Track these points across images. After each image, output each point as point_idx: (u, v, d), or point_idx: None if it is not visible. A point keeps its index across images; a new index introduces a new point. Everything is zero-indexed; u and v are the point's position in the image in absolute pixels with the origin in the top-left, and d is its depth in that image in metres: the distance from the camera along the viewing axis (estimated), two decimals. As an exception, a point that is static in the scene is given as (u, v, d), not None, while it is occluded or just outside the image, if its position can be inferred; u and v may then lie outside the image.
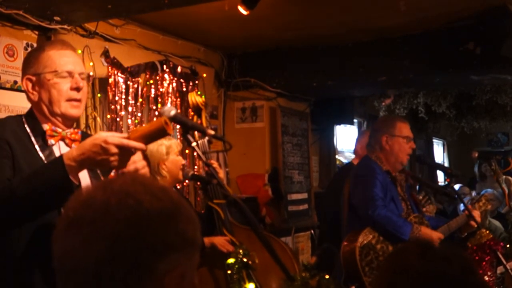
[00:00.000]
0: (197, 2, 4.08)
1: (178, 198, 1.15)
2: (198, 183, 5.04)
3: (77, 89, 2.23)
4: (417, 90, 7.89)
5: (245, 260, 3.49)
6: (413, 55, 5.53)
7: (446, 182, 4.44)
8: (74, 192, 1.17)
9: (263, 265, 3.51)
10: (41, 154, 2.14)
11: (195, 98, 3.96)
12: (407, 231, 3.72)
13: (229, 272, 3.50)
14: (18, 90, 4.28)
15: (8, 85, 4.23)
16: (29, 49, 4.34)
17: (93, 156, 1.92)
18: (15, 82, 4.27)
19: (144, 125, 4.97)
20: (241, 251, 3.51)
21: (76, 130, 2.28)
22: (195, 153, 5.55)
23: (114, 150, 1.91)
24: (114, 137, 1.93)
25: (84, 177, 2.18)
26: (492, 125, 10.61)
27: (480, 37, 5.05)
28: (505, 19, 4.65)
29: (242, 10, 4.20)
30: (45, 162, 2.12)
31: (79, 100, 2.26)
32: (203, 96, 5.11)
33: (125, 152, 1.95)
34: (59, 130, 2.23)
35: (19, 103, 4.27)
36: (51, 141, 2.19)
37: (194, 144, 2.31)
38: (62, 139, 2.23)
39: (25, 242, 2.06)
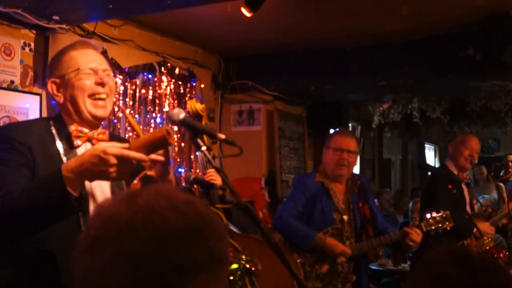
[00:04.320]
0: (200, 3, 4.04)
1: (206, 212, 1.09)
2: (195, 186, 4.98)
3: (102, 84, 2.16)
4: (416, 95, 7.88)
5: (248, 266, 3.43)
6: (413, 60, 5.51)
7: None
8: (96, 207, 1.10)
9: (263, 272, 3.46)
10: (64, 159, 2.06)
11: (195, 105, 3.91)
12: (307, 241, 3.76)
13: (231, 278, 3.45)
14: (15, 90, 4.21)
15: (5, 85, 4.16)
16: (27, 48, 4.27)
17: (91, 167, 1.84)
18: (12, 81, 4.19)
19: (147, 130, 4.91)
20: (244, 257, 3.45)
21: (103, 130, 2.20)
22: (192, 157, 5.53)
23: (113, 161, 1.82)
24: (114, 148, 1.84)
25: (104, 188, 2.14)
26: (483, 131, 10.65)
27: (481, 43, 5.04)
28: (506, 26, 4.64)
29: (245, 12, 4.15)
30: None
31: (103, 99, 2.17)
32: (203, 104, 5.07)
33: (125, 163, 1.86)
34: (86, 130, 2.15)
35: (16, 104, 4.20)
36: (77, 142, 2.13)
37: (204, 148, 2.24)
38: (89, 140, 2.16)
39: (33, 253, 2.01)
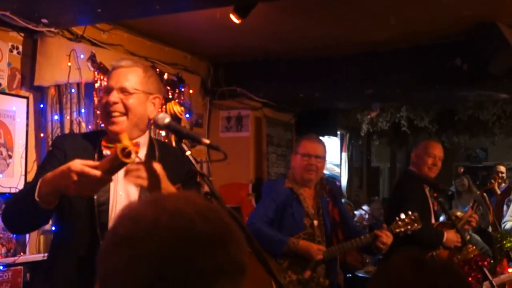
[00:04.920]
0: (189, 9, 4.04)
1: (229, 220, 1.09)
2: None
3: (107, 102, 2.31)
4: (403, 104, 7.92)
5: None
6: (400, 69, 5.54)
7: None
8: (122, 208, 1.14)
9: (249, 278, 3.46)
10: None
11: (173, 107, 3.90)
12: (280, 247, 3.78)
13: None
14: (2, 93, 4.19)
15: (-8, 88, 4.14)
16: (14, 51, 4.26)
17: (58, 180, 1.99)
18: (-1, 84, 4.18)
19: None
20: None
21: (136, 141, 2.31)
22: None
23: (74, 177, 1.93)
24: (77, 165, 1.95)
25: (132, 198, 2.30)
26: (471, 141, 10.70)
27: (468, 53, 5.07)
28: (494, 36, 4.68)
29: (234, 18, 4.16)
30: None
31: (119, 116, 2.32)
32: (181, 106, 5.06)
33: (87, 180, 1.94)
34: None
35: (3, 106, 4.18)
36: (106, 152, 2.33)
37: (188, 153, 2.25)
38: None
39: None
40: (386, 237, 3.79)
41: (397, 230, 3.90)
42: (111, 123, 2.32)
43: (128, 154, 1.94)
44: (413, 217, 3.97)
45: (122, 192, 2.31)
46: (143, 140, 2.41)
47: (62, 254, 2.32)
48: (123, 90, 2.33)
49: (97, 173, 1.94)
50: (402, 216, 3.95)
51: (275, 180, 4.22)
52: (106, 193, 2.29)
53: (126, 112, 2.33)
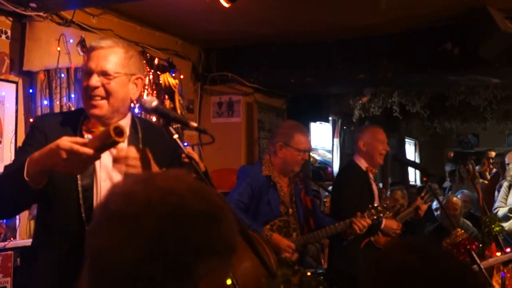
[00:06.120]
0: (179, -7, 4.02)
1: (220, 200, 1.10)
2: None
3: (88, 86, 2.27)
4: (395, 89, 7.92)
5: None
6: (392, 54, 5.55)
7: (423, 181, 4.45)
8: (112, 186, 1.13)
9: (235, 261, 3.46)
10: None
11: (168, 79, 3.85)
12: None
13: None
14: (-9, 77, 4.17)
15: (-20, 72, 4.11)
16: (3, 35, 4.23)
17: (46, 159, 1.96)
18: (-12, 69, 4.15)
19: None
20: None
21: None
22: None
23: (63, 155, 1.90)
24: (66, 142, 1.91)
25: (113, 175, 2.28)
26: (463, 126, 10.72)
27: (459, 37, 5.08)
28: (484, 21, 4.68)
29: (223, 2, 4.14)
30: None
31: (98, 99, 2.27)
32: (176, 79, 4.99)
33: (76, 158, 1.91)
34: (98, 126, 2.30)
35: (-8, 91, 4.16)
36: (87, 136, 2.26)
37: (175, 136, 2.26)
38: None
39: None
40: (364, 222, 3.92)
41: (371, 218, 3.99)
42: (92, 106, 2.28)
43: (120, 133, 1.92)
44: (385, 205, 4.04)
45: (106, 177, 2.28)
46: (125, 122, 2.36)
47: (47, 241, 2.30)
48: (104, 74, 2.27)
49: (89, 151, 1.91)
50: (375, 204, 4.03)
51: (252, 165, 4.20)
52: (89, 177, 2.26)
53: (107, 96, 2.28)
